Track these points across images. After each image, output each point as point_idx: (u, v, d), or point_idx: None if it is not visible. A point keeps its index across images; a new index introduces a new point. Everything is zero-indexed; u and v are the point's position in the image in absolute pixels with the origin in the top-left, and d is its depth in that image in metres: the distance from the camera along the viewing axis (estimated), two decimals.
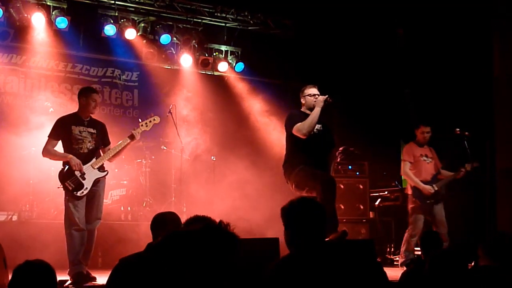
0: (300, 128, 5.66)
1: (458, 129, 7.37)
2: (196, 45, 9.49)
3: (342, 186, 8.51)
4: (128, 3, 9.04)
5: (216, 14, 9.66)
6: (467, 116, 8.19)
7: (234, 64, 9.74)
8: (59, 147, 5.88)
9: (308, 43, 9.90)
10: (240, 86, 9.96)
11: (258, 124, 9.76)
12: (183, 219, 3.58)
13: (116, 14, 8.87)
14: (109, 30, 8.79)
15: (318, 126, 5.77)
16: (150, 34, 9.23)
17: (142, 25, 9.14)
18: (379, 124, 9.50)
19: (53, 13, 8.40)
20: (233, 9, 9.68)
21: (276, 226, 3.16)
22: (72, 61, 9.06)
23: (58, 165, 5.87)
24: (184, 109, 9.23)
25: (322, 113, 5.70)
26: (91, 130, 5.86)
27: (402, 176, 8.03)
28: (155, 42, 9.25)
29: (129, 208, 8.32)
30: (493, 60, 8.08)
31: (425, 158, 7.46)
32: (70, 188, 5.64)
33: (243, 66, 9.76)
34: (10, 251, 4.51)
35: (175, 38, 9.29)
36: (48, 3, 8.42)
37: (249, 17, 9.84)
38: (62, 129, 5.78)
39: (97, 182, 5.80)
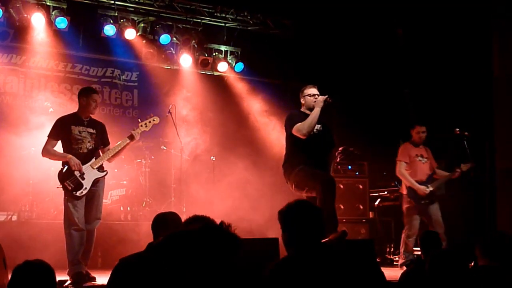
0: (300, 128, 5.66)
1: (457, 129, 7.37)
2: (195, 45, 9.50)
3: (341, 186, 8.50)
4: (127, 3, 9.04)
5: (215, 14, 9.66)
6: (466, 116, 8.18)
7: (233, 64, 9.74)
8: (58, 147, 5.89)
9: (308, 43, 9.90)
10: (239, 86, 9.96)
11: (257, 124, 9.76)
12: (183, 219, 3.60)
13: (116, 14, 8.87)
14: (109, 30, 8.79)
15: (318, 126, 5.77)
16: (149, 34, 9.23)
17: (142, 25, 9.14)
18: (378, 124, 9.49)
19: (53, 13, 8.40)
20: (233, 9, 9.68)
21: (276, 226, 3.17)
22: (72, 61, 9.06)
23: (57, 165, 5.87)
24: (184, 109, 9.23)
25: (322, 113, 5.70)
26: (91, 130, 5.86)
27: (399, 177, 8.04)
28: (154, 42, 9.25)
29: (128, 208, 8.32)
30: (492, 60, 8.08)
31: (420, 158, 7.44)
32: (70, 188, 5.64)
33: (242, 66, 9.76)
34: (10, 251, 4.51)
35: (174, 38, 9.29)
36: (48, 3, 8.42)
37: (249, 17, 9.84)
38: (62, 129, 5.78)
39: (96, 182, 5.81)
